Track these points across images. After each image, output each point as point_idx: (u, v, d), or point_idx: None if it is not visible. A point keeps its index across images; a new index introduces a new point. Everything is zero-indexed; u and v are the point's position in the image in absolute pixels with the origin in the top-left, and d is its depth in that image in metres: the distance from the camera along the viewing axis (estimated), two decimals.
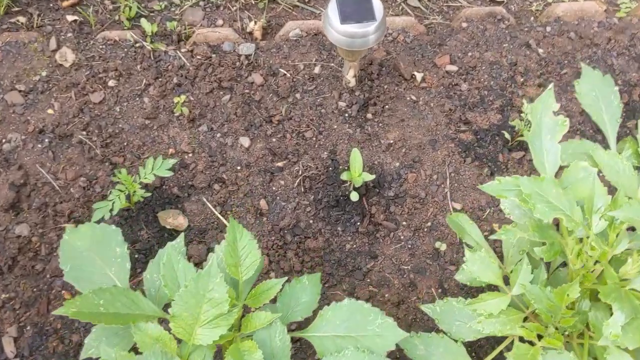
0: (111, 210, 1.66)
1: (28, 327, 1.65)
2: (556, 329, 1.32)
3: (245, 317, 1.24)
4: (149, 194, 1.78)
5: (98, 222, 1.66)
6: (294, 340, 1.27)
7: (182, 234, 1.36)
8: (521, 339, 1.34)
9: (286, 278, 1.27)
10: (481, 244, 1.61)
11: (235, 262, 1.26)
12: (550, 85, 1.37)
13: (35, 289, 1.70)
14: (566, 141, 1.43)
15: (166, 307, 1.31)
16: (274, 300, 1.33)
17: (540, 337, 1.32)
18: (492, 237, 1.31)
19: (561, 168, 1.37)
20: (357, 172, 1.78)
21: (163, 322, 1.27)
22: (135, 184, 1.69)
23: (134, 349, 1.25)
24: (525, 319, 1.45)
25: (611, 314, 1.30)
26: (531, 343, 1.32)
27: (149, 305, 1.24)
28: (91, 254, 1.33)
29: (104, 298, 1.20)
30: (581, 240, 1.27)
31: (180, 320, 1.14)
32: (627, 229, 1.29)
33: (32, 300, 1.68)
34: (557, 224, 1.59)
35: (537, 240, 1.30)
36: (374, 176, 1.82)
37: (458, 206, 1.92)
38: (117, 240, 1.34)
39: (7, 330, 1.63)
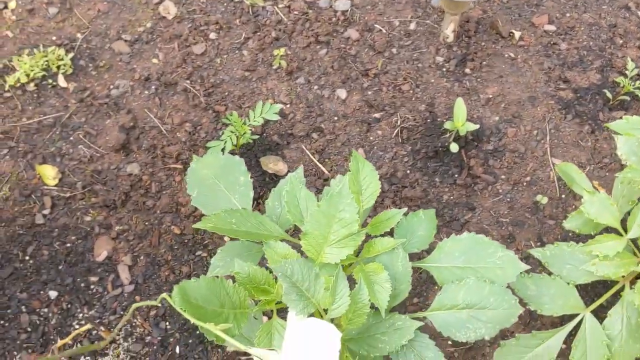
0: (223, 149, 1.72)
1: (141, 257, 1.73)
2: None
3: (368, 242, 1.27)
4: (256, 137, 1.83)
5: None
6: (414, 270, 1.29)
7: (302, 166, 1.39)
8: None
9: (405, 209, 1.29)
10: (590, 191, 1.59)
11: (358, 190, 1.29)
12: None
13: (147, 223, 1.78)
14: None
15: (287, 232, 1.36)
16: (390, 233, 1.36)
17: None
18: (618, 175, 1.29)
19: None
20: (460, 122, 1.78)
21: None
22: (245, 126, 1.74)
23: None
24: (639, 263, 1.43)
25: None
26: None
27: (275, 228, 1.29)
28: (216, 181, 1.39)
29: (235, 217, 1.25)
30: None
31: (311, 239, 1.18)
32: None
33: (144, 233, 1.76)
34: None
35: None
36: (477, 126, 1.82)
37: (558, 162, 1.90)
38: (240, 170, 1.39)
39: (122, 259, 1.72)
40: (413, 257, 1.55)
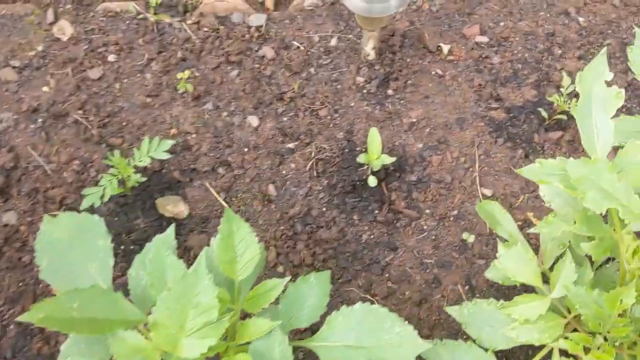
0: (102, 197, 1.51)
1: (12, 326, 1.51)
2: (605, 339, 1.13)
3: (241, 324, 1.08)
4: (144, 179, 1.62)
5: (88, 210, 1.52)
6: (298, 351, 1.10)
7: (173, 225, 1.19)
8: (563, 352, 1.15)
9: (289, 278, 1.10)
10: (515, 237, 1.41)
11: (231, 258, 1.10)
12: (603, 50, 1.16)
13: (20, 284, 1.56)
14: (617, 117, 1.22)
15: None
16: (277, 302, 1.17)
17: (586, 349, 1.13)
18: (531, 230, 1.12)
19: (614, 149, 1.17)
20: (375, 154, 1.59)
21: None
22: (130, 167, 1.53)
23: None
24: (566, 325, 1.26)
25: None
26: (575, 358, 1.13)
27: (131, 310, 1.09)
28: (71, 247, 1.18)
29: (79, 300, 1.05)
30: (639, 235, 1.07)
31: (163, 329, 0.98)
32: None
33: (17, 296, 1.55)
34: (604, 215, 1.39)
35: (583, 235, 1.10)
36: (394, 159, 1.63)
37: (488, 192, 1.72)
38: (99, 232, 1.19)
39: None
40: (302, 333, 1.36)
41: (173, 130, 1.83)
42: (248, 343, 1.06)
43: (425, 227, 1.68)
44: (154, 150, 1.54)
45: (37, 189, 1.70)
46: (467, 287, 1.60)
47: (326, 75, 1.92)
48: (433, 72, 1.93)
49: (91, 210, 1.54)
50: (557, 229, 1.07)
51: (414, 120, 1.82)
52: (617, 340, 1.12)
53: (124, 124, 1.84)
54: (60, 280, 1.15)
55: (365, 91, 1.88)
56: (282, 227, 1.67)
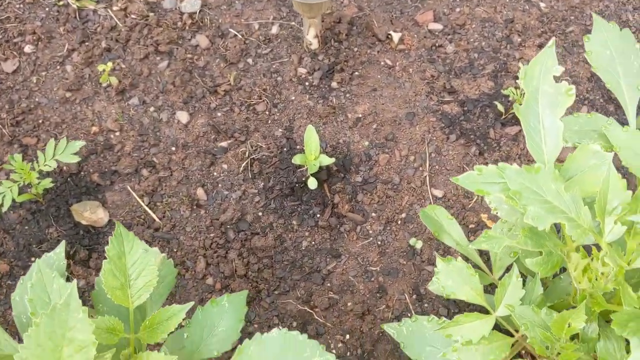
0: (0, 205, 1.33)
1: None
2: None
3: (134, 358, 0.92)
4: (53, 184, 1.44)
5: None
6: None
7: (63, 243, 1.03)
8: None
9: (192, 303, 0.94)
10: (462, 244, 1.28)
11: (123, 283, 0.94)
12: (551, 41, 1.02)
13: None
14: (570, 115, 1.09)
15: None
16: (182, 330, 1.01)
17: None
18: (472, 246, 0.98)
19: (565, 151, 1.03)
20: (312, 155, 1.44)
21: None
22: (33, 172, 1.36)
23: None
24: (514, 344, 1.13)
25: (627, 347, 0.98)
26: None
27: (8, 343, 0.92)
28: None
29: None
30: (590, 251, 0.94)
31: None
32: None
33: None
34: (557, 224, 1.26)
35: (529, 250, 0.97)
36: (333, 159, 1.48)
37: (439, 193, 1.59)
38: None
39: None
40: None
41: (94, 128, 1.66)
42: None
43: (370, 232, 1.54)
44: (60, 152, 1.36)
45: None
46: (414, 297, 1.46)
47: (265, 66, 1.76)
48: (382, 63, 1.79)
49: None
50: (498, 244, 0.93)
51: (360, 115, 1.68)
52: None
53: (40, 121, 1.66)
54: None
55: (307, 84, 1.72)
56: (212, 235, 1.52)
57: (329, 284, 1.48)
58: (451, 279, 1.06)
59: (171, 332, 0.95)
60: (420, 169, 1.62)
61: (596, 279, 0.90)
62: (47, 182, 1.39)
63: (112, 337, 0.92)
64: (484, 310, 1.10)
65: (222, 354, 1.01)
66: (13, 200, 1.37)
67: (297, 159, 1.46)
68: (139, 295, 0.94)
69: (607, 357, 0.97)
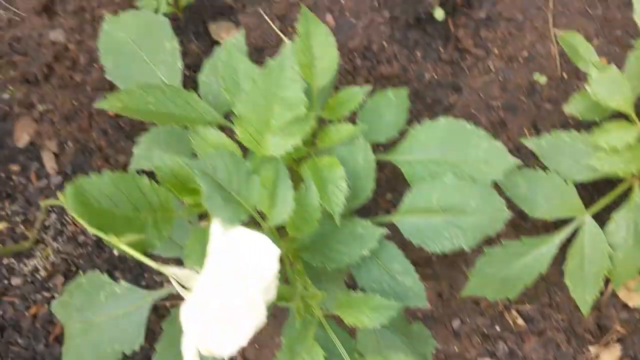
0: (156, 10, 1.41)
1: (69, 143, 1.48)
2: None
3: (321, 130, 1.02)
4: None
5: None
6: (377, 165, 1.06)
7: (243, 31, 1.11)
8: None
9: (370, 87, 1.03)
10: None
11: (309, 62, 1.02)
12: None
13: (75, 102, 1.52)
14: None
15: (226, 116, 1.10)
16: (352, 119, 1.11)
17: None
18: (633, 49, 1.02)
19: None
20: None
21: (224, 130, 1.07)
22: None
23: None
24: None
25: None
26: None
27: (207, 110, 1.04)
28: (136, 48, 1.11)
29: (154, 96, 0.99)
30: None
31: (247, 124, 0.93)
32: None
33: (72, 114, 1.50)
34: None
35: None
36: None
37: (561, 33, 1.61)
38: (166, 34, 1.11)
39: (47, 144, 1.47)
40: (380, 148, 1.31)
41: None
42: (329, 150, 1.01)
43: (492, 68, 1.59)
44: None
45: (84, 8, 1.60)
46: (533, 131, 1.54)
47: None
48: None
49: None
50: None
51: None
52: None
53: None
54: (127, 81, 1.10)
55: None
56: (340, 61, 1.58)
57: (451, 115, 1.55)
58: (604, 87, 1.12)
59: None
60: (544, 9, 1.63)
61: None
62: None
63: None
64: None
65: (389, 141, 1.11)
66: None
67: None
68: (322, 76, 1.03)
69: None
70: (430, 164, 1.04)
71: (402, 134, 1.12)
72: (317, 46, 1.02)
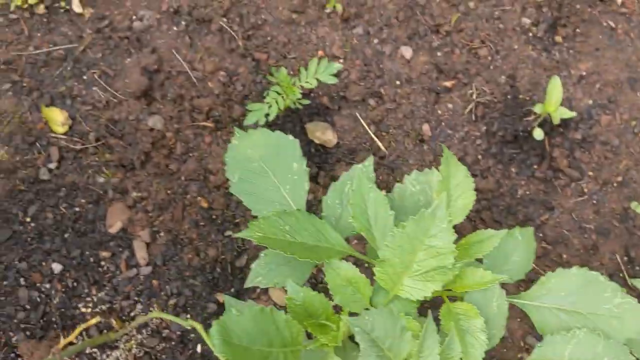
0: (267, 115, 1.42)
1: (161, 233, 1.47)
2: None
3: (457, 272, 1.00)
4: (307, 102, 1.52)
5: (252, 127, 1.45)
6: None
7: (371, 157, 1.11)
8: None
9: (505, 230, 1.02)
10: None
11: (446, 201, 1.01)
12: None
13: (169, 191, 1.52)
14: None
15: (347, 240, 1.09)
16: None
17: None
18: None
19: None
20: (553, 106, 1.47)
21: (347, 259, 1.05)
22: (295, 87, 1.44)
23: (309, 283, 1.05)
24: None
25: None
26: None
27: (336, 239, 1.02)
28: (264, 166, 1.11)
29: (289, 223, 0.98)
30: None
31: (388, 267, 0.92)
32: None
33: (166, 204, 1.50)
34: None
35: None
36: (574, 114, 1.51)
37: None
38: (294, 154, 1.11)
39: (139, 233, 1.46)
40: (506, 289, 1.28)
41: (320, 52, 1.72)
42: (463, 294, 0.99)
43: (586, 190, 1.58)
44: (321, 72, 1.43)
45: (182, 96, 1.62)
46: (625, 258, 1.51)
47: (487, 12, 1.77)
48: (604, 24, 1.77)
49: (255, 126, 1.47)
50: None
51: (583, 73, 1.68)
52: None
53: (269, 38, 1.73)
54: (252, 197, 1.09)
55: (531, 34, 1.73)
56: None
57: (541, 234, 1.54)
58: None
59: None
60: None
61: None
62: (301, 99, 1.46)
63: None
64: None
65: (516, 282, 1.09)
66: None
67: (537, 108, 1.50)
68: (457, 216, 1.02)
69: None
70: (561, 314, 1.01)
71: (529, 275, 1.10)
72: (455, 187, 1.02)
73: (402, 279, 0.92)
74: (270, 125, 1.59)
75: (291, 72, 1.64)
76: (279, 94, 1.44)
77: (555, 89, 1.47)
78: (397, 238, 0.90)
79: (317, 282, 1.43)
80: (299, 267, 1.07)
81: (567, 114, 1.49)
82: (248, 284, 1.07)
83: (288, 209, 1.08)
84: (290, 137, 1.12)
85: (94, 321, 1.18)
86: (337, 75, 1.66)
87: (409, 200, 1.11)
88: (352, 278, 0.96)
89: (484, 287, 0.96)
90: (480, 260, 1.06)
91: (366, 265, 1.20)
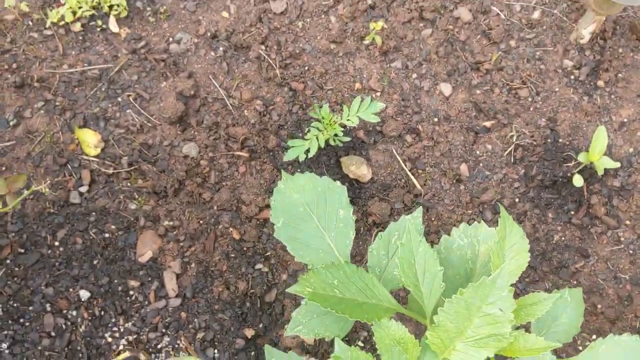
0: (307, 151, 1.40)
1: (192, 264, 1.45)
2: None
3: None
4: (348, 139, 1.50)
5: (292, 162, 1.42)
6: None
7: (420, 208, 1.08)
8: None
9: (557, 294, 0.99)
10: None
11: (499, 263, 0.98)
12: None
13: (201, 221, 1.49)
14: None
15: (393, 293, 1.06)
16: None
17: None
18: None
19: None
20: (597, 156, 1.45)
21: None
22: (336, 124, 1.41)
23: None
24: None
25: None
26: None
27: (384, 295, 1.00)
28: (309, 211, 1.08)
29: (338, 277, 0.96)
30: None
31: (441, 332, 0.89)
32: None
33: (197, 234, 1.48)
34: None
35: None
36: (618, 164, 1.48)
37: None
38: (341, 201, 1.09)
39: (170, 263, 1.44)
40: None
41: (357, 85, 1.70)
42: (512, 357, 0.96)
43: (622, 239, 1.55)
44: (364, 110, 1.41)
45: (218, 124, 1.60)
46: None
47: (528, 52, 1.74)
48: None
49: (294, 162, 1.45)
50: None
51: (625, 119, 1.66)
52: None
53: (306, 68, 1.71)
54: (296, 243, 1.07)
55: (572, 77, 1.70)
56: (469, 212, 1.56)
57: (576, 282, 1.51)
58: None
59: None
60: None
61: None
62: (342, 137, 1.44)
63: None
64: None
65: (563, 345, 1.06)
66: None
67: (581, 157, 1.47)
68: (511, 277, 0.99)
69: None
70: None
71: (577, 338, 1.07)
72: (510, 248, 0.99)
73: (454, 343, 0.89)
74: (305, 159, 1.57)
75: (329, 104, 1.62)
76: (319, 130, 1.41)
77: (601, 138, 1.44)
78: (454, 304, 0.88)
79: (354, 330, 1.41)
80: (342, 318, 1.04)
81: (611, 164, 1.46)
82: (288, 332, 1.05)
83: (332, 257, 1.06)
84: (338, 183, 1.09)
85: (122, 357, 1.15)
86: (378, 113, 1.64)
87: (456, 254, 1.09)
88: (401, 338, 0.93)
89: (535, 354, 0.93)
90: None
91: (408, 317, 1.17)
